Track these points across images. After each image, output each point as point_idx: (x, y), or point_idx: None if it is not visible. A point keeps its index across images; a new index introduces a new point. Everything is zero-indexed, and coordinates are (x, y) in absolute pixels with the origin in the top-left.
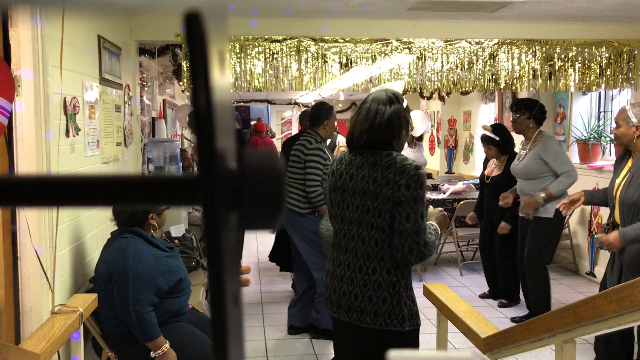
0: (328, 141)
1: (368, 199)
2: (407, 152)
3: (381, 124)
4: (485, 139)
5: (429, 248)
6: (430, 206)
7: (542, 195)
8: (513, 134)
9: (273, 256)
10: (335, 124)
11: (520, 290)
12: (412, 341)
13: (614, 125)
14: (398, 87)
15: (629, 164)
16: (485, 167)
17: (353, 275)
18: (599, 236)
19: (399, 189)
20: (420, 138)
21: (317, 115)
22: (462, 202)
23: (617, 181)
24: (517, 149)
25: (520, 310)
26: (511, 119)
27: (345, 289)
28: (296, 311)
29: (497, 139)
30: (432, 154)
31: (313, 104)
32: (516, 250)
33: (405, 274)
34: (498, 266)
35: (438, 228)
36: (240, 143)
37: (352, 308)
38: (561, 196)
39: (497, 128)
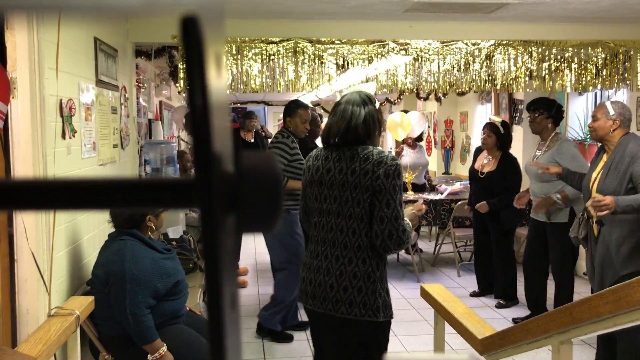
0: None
1: (347, 190)
2: (408, 153)
3: (357, 125)
4: (489, 125)
5: (407, 235)
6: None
7: (558, 196)
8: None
9: None
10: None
11: (518, 290)
12: (383, 333)
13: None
14: (370, 88)
15: (605, 158)
16: (474, 161)
17: (330, 265)
18: (596, 195)
19: (377, 178)
20: (420, 138)
21: (283, 115)
22: (459, 203)
23: (594, 175)
24: (512, 150)
25: (520, 311)
26: (528, 118)
27: (321, 280)
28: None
29: (502, 131)
30: (429, 155)
31: (310, 105)
32: (511, 251)
33: (380, 265)
34: (496, 266)
35: (410, 224)
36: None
37: (328, 298)
38: (577, 200)
39: (505, 125)
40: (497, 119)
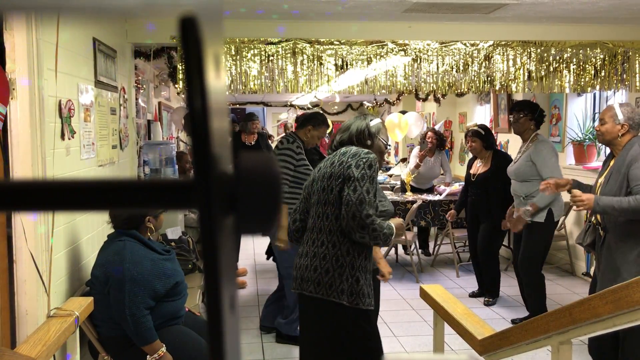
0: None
1: (325, 180)
2: (425, 161)
3: (342, 128)
4: (470, 132)
5: (372, 221)
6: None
7: (530, 209)
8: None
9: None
10: (324, 131)
11: (514, 290)
12: (351, 320)
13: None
14: (375, 121)
15: (611, 163)
16: (470, 167)
17: (308, 248)
18: (575, 192)
19: (349, 167)
20: (442, 145)
21: (306, 120)
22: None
23: (600, 180)
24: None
25: (521, 312)
26: (512, 119)
27: (302, 263)
28: (271, 310)
29: (483, 132)
30: None
31: (309, 106)
32: (495, 247)
33: (352, 252)
34: (481, 264)
35: (394, 227)
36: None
37: (303, 278)
38: (550, 203)
39: (484, 127)
40: (473, 125)
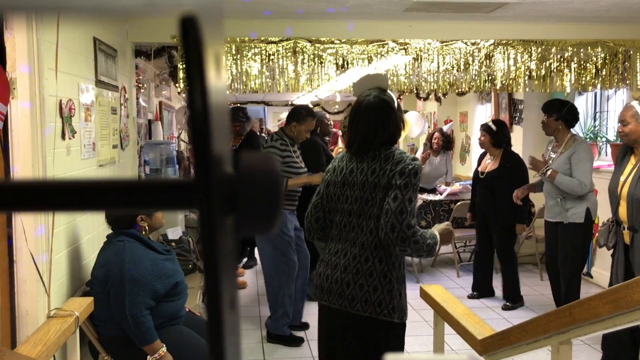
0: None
1: (367, 190)
2: (430, 160)
3: (384, 136)
4: (482, 126)
5: (413, 233)
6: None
7: (549, 172)
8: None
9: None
10: (303, 129)
11: (523, 292)
12: (397, 336)
13: (616, 124)
14: (384, 81)
15: (633, 160)
16: (479, 164)
17: (347, 263)
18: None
19: (393, 176)
20: (448, 146)
21: (290, 116)
22: (459, 203)
23: (622, 179)
24: (516, 150)
25: (523, 313)
26: (541, 121)
27: (338, 276)
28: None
29: (494, 128)
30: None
31: (309, 105)
32: (513, 252)
33: (396, 265)
34: (502, 269)
35: (438, 236)
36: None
37: (344, 295)
38: (581, 199)
39: (498, 123)
40: (489, 120)
